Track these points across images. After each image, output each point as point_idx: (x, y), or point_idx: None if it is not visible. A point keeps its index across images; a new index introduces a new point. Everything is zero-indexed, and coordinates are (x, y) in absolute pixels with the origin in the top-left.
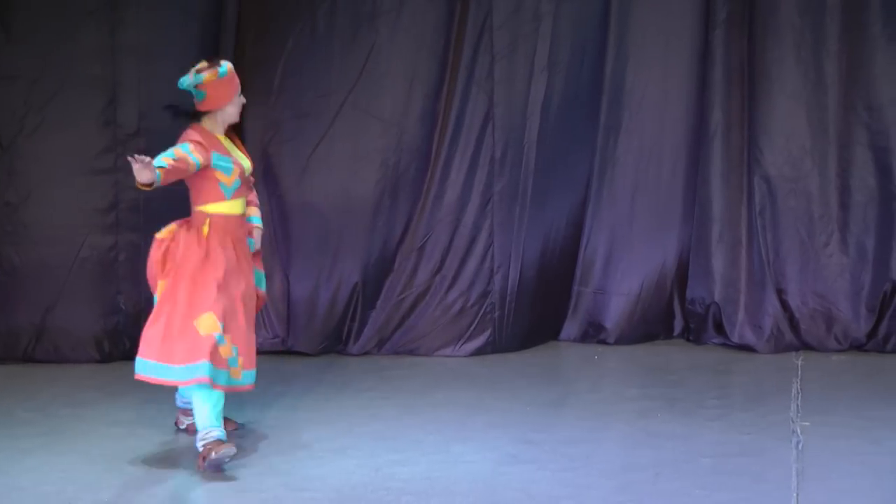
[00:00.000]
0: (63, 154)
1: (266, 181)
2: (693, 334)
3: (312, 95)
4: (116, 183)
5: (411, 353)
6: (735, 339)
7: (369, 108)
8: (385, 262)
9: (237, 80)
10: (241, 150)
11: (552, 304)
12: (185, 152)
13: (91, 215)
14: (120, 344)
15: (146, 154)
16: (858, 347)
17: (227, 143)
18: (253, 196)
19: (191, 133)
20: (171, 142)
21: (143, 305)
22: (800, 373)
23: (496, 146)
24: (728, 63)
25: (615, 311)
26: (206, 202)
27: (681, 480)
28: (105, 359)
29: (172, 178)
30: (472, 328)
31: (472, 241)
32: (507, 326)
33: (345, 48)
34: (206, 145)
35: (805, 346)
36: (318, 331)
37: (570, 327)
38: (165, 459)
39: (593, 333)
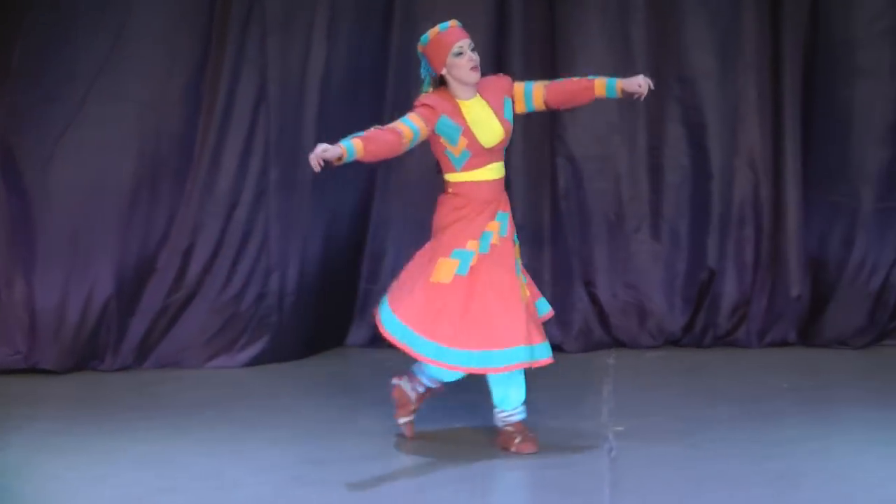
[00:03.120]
0: None
1: (5, 173)
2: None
3: (57, 77)
4: None
5: (178, 365)
6: None
7: (123, 90)
8: (145, 263)
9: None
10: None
11: (337, 306)
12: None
13: None
14: None
15: None
16: (674, 343)
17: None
18: None
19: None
20: None
21: None
22: (612, 373)
23: (271, 129)
24: (526, 31)
25: None
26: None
27: (484, 497)
28: None
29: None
30: (246, 335)
31: (246, 236)
32: (286, 332)
33: (93, 25)
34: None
35: (617, 343)
36: (68, 344)
37: (359, 331)
38: None
39: (383, 337)
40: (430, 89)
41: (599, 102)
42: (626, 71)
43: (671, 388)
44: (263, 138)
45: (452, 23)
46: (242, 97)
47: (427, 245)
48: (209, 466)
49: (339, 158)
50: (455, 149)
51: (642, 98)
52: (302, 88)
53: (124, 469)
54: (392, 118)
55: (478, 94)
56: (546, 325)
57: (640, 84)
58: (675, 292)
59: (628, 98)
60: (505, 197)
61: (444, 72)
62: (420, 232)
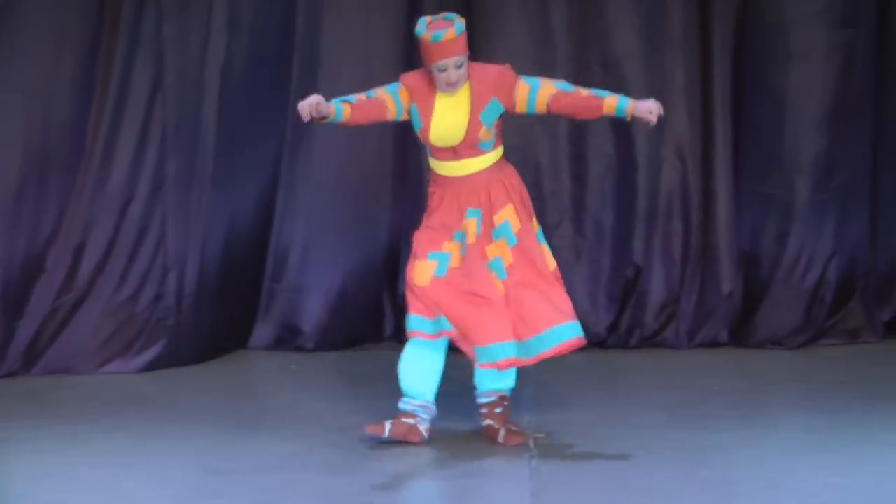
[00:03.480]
0: None
1: None
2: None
3: None
4: None
5: (69, 371)
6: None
7: (6, 78)
8: (33, 263)
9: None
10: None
11: (240, 306)
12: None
13: None
14: None
15: None
16: (599, 344)
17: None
18: None
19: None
20: None
21: None
22: (532, 376)
23: (168, 120)
24: (439, 12)
25: (314, 312)
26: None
27: None
28: None
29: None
30: (142, 338)
31: (142, 233)
32: (185, 334)
33: None
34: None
35: None
36: None
37: (262, 332)
38: None
39: (289, 338)
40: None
41: None
42: (546, 54)
43: (595, 392)
44: (160, 129)
45: (447, 35)
46: (137, 86)
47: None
48: (104, 479)
49: (325, 117)
50: (419, 137)
51: (650, 125)
52: (201, 76)
53: (13, 483)
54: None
55: (466, 86)
56: None
57: (650, 111)
58: (600, 290)
59: (639, 122)
60: (497, 192)
61: (428, 67)
62: (328, 227)
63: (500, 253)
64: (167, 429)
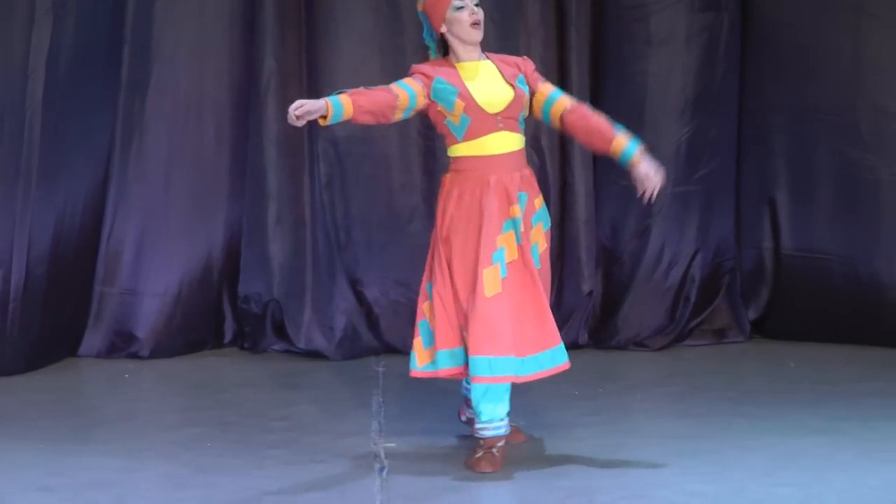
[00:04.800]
0: None
1: None
2: (249, 341)
3: None
4: None
5: None
6: (301, 344)
7: None
8: None
9: None
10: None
11: (69, 311)
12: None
13: None
14: None
15: None
16: None
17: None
18: None
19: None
20: None
21: None
22: (381, 382)
23: None
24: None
25: (149, 317)
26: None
27: None
28: None
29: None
30: None
31: None
32: (9, 342)
33: None
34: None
35: (387, 349)
36: None
37: (93, 339)
38: None
39: (122, 345)
40: (439, 56)
41: (365, 73)
42: (394, 42)
43: (448, 398)
44: None
45: None
46: None
47: (438, 244)
48: None
49: (324, 118)
50: (453, 115)
51: (643, 197)
52: (24, 68)
53: None
54: (130, 100)
55: (486, 58)
56: (308, 329)
57: (649, 180)
58: None
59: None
60: (527, 175)
61: (443, 30)
62: (162, 225)
63: (537, 239)
64: None
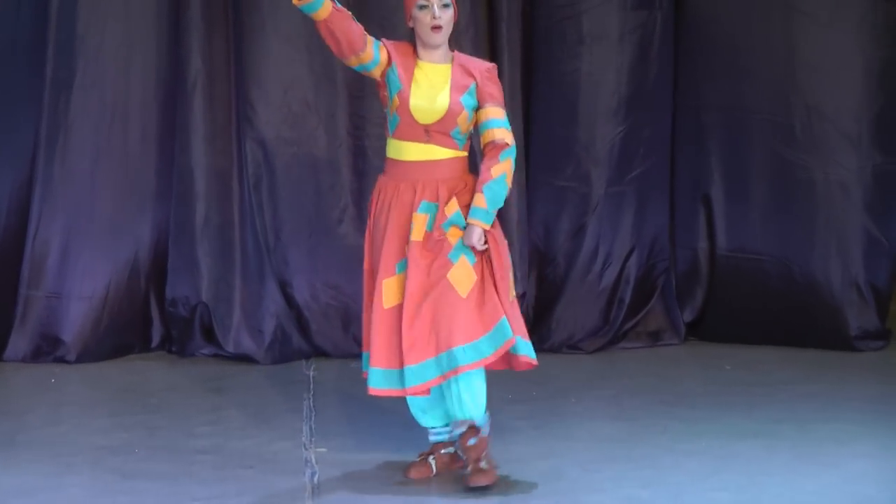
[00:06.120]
0: None
1: None
2: (176, 344)
3: None
4: None
5: None
6: (230, 347)
7: None
8: None
9: None
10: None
11: None
12: None
13: None
14: None
15: None
16: None
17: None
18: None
19: None
20: None
21: None
22: (312, 386)
23: None
24: None
25: (75, 321)
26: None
27: None
28: None
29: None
30: None
31: None
32: None
33: None
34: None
35: (318, 352)
36: None
37: (18, 343)
38: None
39: (48, 350)
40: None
41: (293, 72)
42: (322, 43)
43: (380, 402)
44: None
45: None
46: None
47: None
48: None
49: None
50: (390, 108)
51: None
52: None
53: None
54: (55, 98)
55: (449, 64)
56: (237, 332)
57: (467, 238)
58: None
59: None
60: (453, 185)
61: (410, 25)
62: (88, 226)
63: (457, 237)
64: None
